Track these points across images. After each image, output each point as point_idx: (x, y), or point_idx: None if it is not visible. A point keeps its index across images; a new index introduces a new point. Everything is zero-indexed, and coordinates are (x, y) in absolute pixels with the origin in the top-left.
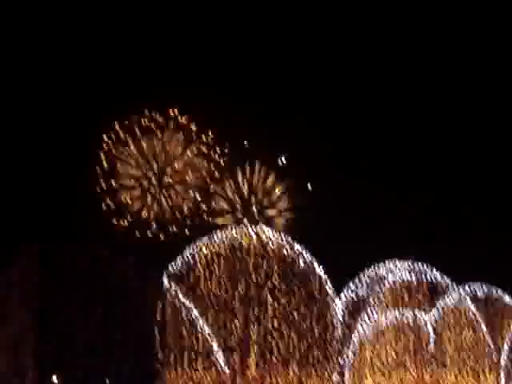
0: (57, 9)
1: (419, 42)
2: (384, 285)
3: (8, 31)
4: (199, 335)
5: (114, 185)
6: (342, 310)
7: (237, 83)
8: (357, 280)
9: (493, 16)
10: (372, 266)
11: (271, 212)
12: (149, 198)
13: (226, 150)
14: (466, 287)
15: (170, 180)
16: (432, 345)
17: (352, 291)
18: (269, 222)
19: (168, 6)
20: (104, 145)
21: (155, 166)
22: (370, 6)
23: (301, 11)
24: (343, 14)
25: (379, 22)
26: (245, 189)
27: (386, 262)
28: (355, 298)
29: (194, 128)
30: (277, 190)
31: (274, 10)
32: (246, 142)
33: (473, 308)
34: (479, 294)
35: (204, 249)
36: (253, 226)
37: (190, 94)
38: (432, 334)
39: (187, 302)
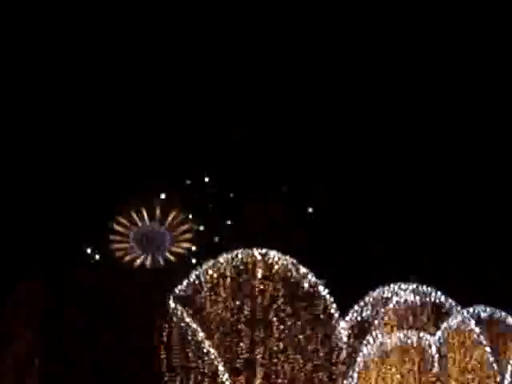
0: None
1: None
2: (389, 307)
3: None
4: (205, 357)
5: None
6: (347, 332)
7: None
8: (362, 302)
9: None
10: (377, 288)
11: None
12: None
13: None
14: (470, 309)
15: None
16: (437, 366)
17: (357, 313)
18: None
19: None
20: None
21: None
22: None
23: None
24: None
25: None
26: None
27: (391, 284)
28: (360, 320)
29: None
30: None
31: None
32: None
33: (477, 330)
34: (483, 315)
35: (210, 271)
36: (259, 249)
37: None
38: (436, 355)
39: (193, 324)
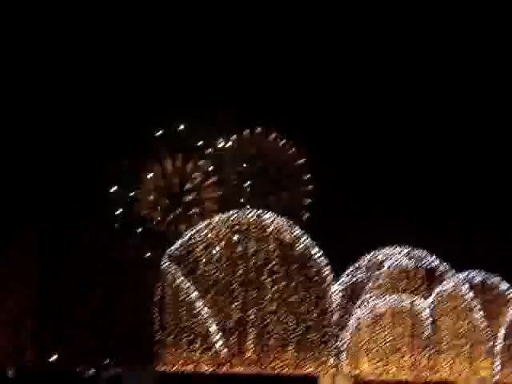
0: None
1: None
2: (382, 270)
3: None
4: (198, 317)
5: None
6: (340, 295)
7: None
8: (355, 265)
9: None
10: (370, 252)
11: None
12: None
13: None
14: (464, 274)
15: None
16: (429, 330)
17: (350, 276)
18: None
19: None
20: None
21: None
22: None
23: None
24: None
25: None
26: None
27: (385, 247)
28: (353, 283)
29: None
30: None
31: None
32: None
33: (470, 295)
34: (476, 280)
35: (204, 232)
36: (253, 210)
37: None
38: (429, 319)
39: (186, 284)
